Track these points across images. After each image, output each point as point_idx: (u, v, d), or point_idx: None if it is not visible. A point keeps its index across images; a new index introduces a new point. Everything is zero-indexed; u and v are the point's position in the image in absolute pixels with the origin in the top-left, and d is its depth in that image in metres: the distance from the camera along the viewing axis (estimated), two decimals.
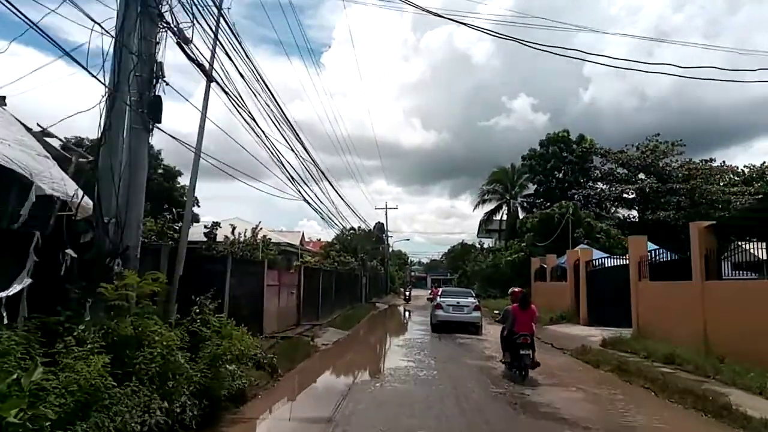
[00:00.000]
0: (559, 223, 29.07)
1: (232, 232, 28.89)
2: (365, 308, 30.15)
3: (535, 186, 46.70)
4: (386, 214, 59.77)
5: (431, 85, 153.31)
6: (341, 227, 38.78)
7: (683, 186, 39.49)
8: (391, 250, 73.59)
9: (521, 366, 10.29)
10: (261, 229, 30.35)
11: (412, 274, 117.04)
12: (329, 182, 26.11)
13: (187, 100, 10.30)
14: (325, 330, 17.22)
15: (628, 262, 15.96)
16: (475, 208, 49.49)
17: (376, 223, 56.41)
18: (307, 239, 61.47)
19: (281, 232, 44.96)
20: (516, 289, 12.34)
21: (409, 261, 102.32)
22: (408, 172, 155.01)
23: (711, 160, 42.12)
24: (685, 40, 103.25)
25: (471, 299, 20.64)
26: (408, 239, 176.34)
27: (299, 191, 15.51)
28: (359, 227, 53.24)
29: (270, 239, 30.20)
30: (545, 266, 26.63)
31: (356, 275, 33.81)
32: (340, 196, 33.13)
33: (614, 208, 42.46)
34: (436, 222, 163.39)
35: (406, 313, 31.42)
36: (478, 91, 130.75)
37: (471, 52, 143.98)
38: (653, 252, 15.44)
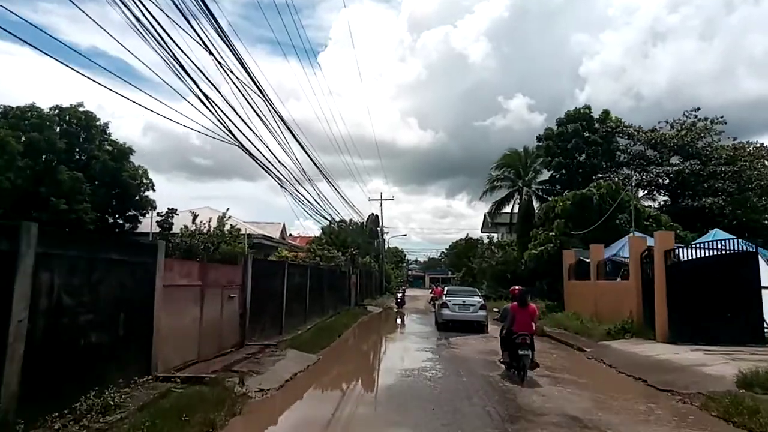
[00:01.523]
0: (599, 207, 23.02)
1: (193, 221, 22.99)
2: (352, 314, 24.05)
3: (551, 172, 40.69)
4: (381, 206, 53.71)
5: (428, 84, 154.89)
6: (330, 219, 32.78)
7: (728, 169, 33.71)
8: (387, 246, 67.49)
9: (520, 366, 9.96)
10: (229, 217, 24.51)
11: (409, 272, 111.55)
12: (314, 163, 20.52)
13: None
14: (282, 355, 11.13)
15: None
16: (481, 196, 43.50)
17: (369, 215, 50.31)
18: (296, 234, 55.42)
19: (258, 223, 38.82)
20: (516, 288, 12.02)
21: (406, 258, 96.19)
22: (405, 172, 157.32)
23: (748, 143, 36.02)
24: (680, 40, 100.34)
25: (477, 298, 20.60)
26: (405, 235, 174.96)
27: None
28: (351, 220, 47.42)
29: (239, 229, 24.46)
30: (586, 260, 20.60)
31: (343, 273, 27.73)
32: (327, 176, 27.14)
33: (650, 194, 36.65)
34: (432, 222, 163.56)
35: (400, 320, 25.22)
36: (475, 91, 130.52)
37: (467, 51, 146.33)
38: None
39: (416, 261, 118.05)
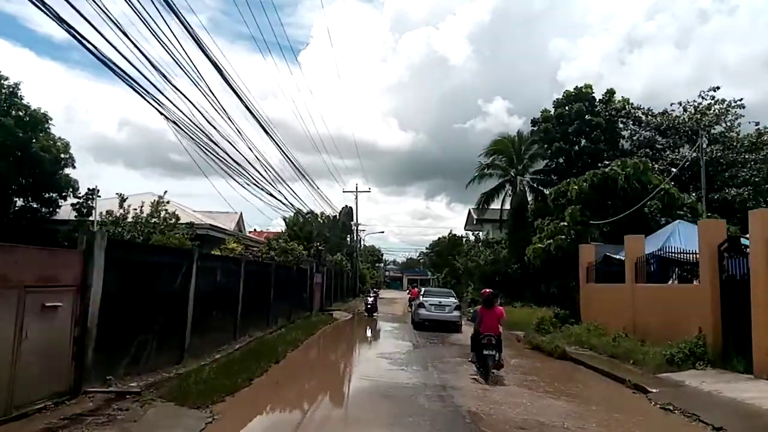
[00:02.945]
0: (623, 192, 18.23)
1: (120, 205, 18.68)
2: (311, 324, 18.86)
3: (546, 161, 36.07)
4: (356, 198, 48.47)
5: (409, 85, 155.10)
6: (291, 208, 27.49)
7: (751, 157, 29.51)
8: (363, 244, 62.35)
9: (485, 366, 10.10)
10: (167, 203, 19.05)
11: (387, 273, 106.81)
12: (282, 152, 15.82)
13: None
14: (130, 420, 5.91)
15: None
16: (468, 184, 38.37)
17: (343, 208, 45.11)
18: (260, 229, 49.84)
19: (210, 213, 33.25)
20: (486, 290, 12.18)
21: (383, 258, 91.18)
22: (385, 173, 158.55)
23: None
24: (656, 48, 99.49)
25: (452, 299, 21.16)
26: (382, 232, 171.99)
27: None
28: (323, 213, 42.19)
29: (179, 217, 19.18)
30: (615, 257, 15.78)
31: (303, 271, 22.52)
32: (288, 158, 21.94)
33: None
34: (411, 223, 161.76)
35: (371, 332, 20.05)
36: (455, 93, 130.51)
37: (448, 54, 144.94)
38: None
39: (394, 262, 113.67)
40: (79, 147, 58.79)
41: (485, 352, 10.15)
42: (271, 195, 19.84)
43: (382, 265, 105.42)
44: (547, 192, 31.47)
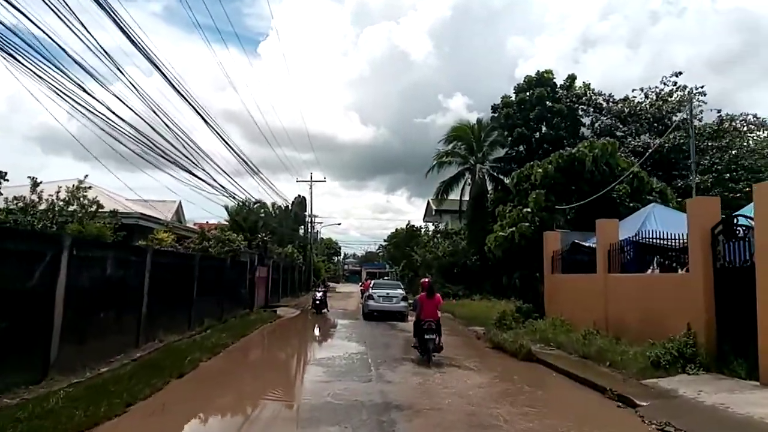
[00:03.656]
0: (591, 175, 16.71)
1: (33, 190, 15.75)
2: (246, 323, 16.60)
3: (506, 149, 34.70)
4: (311, 187, 46.00)
5: (369, 80, 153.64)
6: (239, 201, 25.01)
7: (714, 144, 28.90)
8: (319, 236, 59.97)
9: (426, 349, 10.82)
10: (88, 188, 16.28)
11: (345, 267, 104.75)
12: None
13: None
14: None
15: None
16: (427, 173, 36.62)
17: (295, 197, 42.62)
18: (204, 220, 46.68)
19: (144, 201, 30.22)
20: (425, 279, 13.61)
21: (340, 251, 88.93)
22: (345, 167, 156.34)
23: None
24: (609, 47, 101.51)
25: (399, 291, 22.06)
26: (339, 224, 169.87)
27: None
28: (274, 204, 39.66)
29: (101, 204, 16.48)
30: (585, 244, 14.18)
31: (241, 264, 20.15)
32: (224, 140, 19.35)
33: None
34: (372, 217, 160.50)
35: (320, 332, 17.92)
36: (416, 88, 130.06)
37: (409, 49, 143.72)
38: None
39: (354, 255, 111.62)
40: (24, 137, 54.05)
41: (426, 337, 10.97)
42: (210, 185, 17.54)
43: (340, 258, 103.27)
44: (509, 179, 30.17)
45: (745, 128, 29.91)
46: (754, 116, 29.45)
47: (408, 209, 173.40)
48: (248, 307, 20.26)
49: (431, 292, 11.67)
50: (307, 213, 45.03)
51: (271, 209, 40.09)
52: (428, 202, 54.92)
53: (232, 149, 21.46)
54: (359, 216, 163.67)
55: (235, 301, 18.63)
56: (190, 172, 19.08)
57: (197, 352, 10.53)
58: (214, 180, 20.10)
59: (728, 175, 27.57)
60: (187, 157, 16.91)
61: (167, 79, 13.07)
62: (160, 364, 9.08)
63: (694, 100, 30.64)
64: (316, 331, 17.63)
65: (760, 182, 8.34)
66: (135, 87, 12.06)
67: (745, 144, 29.34)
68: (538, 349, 12.63)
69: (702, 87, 30.98)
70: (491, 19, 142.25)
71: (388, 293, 21.47)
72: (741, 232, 8.25)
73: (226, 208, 27.19)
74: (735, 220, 8.45)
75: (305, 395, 8.03)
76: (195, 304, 14.20)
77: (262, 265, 24.78)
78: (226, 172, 29.19)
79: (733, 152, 28.92)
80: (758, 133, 31.09)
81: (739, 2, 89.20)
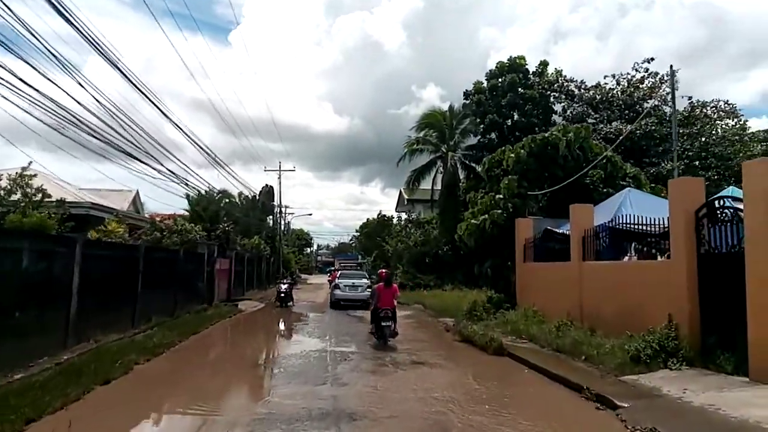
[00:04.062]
0: (565, 160, 16.02)
1: None
2: (200, 320, 15.48)
3: (479, 137, 34.03)
4: (279, 177, 44.65)
5: (343, 70, 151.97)
6: (198, 190, 23.73)
7: (684, 131, 28.75)
8: (289, 227, 58.62)
9: (383, 335, 11.81)
10: (33, 176, 15.02)
11: (318, 258, 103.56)
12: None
13: None
14: None
15: None
16: (399, 161, 35.83)
17: (263, 187, 41.22)
18: (170, 212, 44.88)
19: (98, 191, 28.58)
20: (382, 270, 14.48)
21: (313, 242, 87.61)
22: (319, 157, 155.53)
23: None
24: (580, 39, 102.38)
25: (364, 280, 23.31)
26: (310, 214, 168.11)
27: None
28: (241, 194, 38.26)
29: (48, 193, 15.20)
30: (558, 231, 13.49)
31: (198, 255, 18.94)
32: (180, 128, 17.95)
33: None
34: (346, 208, 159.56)
35: (285, 326, 16.88)
36: (389, 79, 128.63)
37: (382, 39, 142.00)
38: None
39: (327, 247, 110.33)
40: None
41: (383, 324, 11.88)
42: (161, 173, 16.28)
43: (312, 249, 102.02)
44: (480, 166, 29.54)
45: (716, 115, 29.85)
46: (725, 102, 29.40)
47: (382, 200, 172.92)
48: (207, 302, 19.08)
49: (389, 282, 12.60)
50: (275, 203, 43.69)
51: (237, 199, 38.70)
52: (400, 192, 54.11)
53: (190, 137, 20.17)
54: (333, 207, 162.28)
55: (190, 296, 17.44)
56: (145, 163, 17.88)
57: (133, 354, 9.43)
58: (170, 171, 18.86)
59: (698, 162, 27.47)
60: (138, 147, 15.78)
61: (121, 71, 12.65)
62: (84, 369, 7.96)
63: (665, 86, 30.48)
64: (276, 327, 16.58)
65: (750, 160, 7.67)
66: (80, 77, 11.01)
67: (714, 132, 29.29)
68: (509, 341, 11.92)
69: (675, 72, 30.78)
70: (463, 10, 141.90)
71: (353, 283, 22.65)
72: (728, 215, 7.56)
73: (187, 197, 25.80)
74: (721, 202, 7.76)
75: (242, 405, 7.06)
76: (140, 300, 13.00)
77: (223, 256, 23.54)
78: (181, 161, 27.74)
79: (703, 139, 28.87)
80: (727, 120, 31.19)
81: None
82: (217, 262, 21.77)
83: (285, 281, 23.94)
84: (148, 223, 18.88)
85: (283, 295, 22.12)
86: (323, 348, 11.34)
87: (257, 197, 38.82)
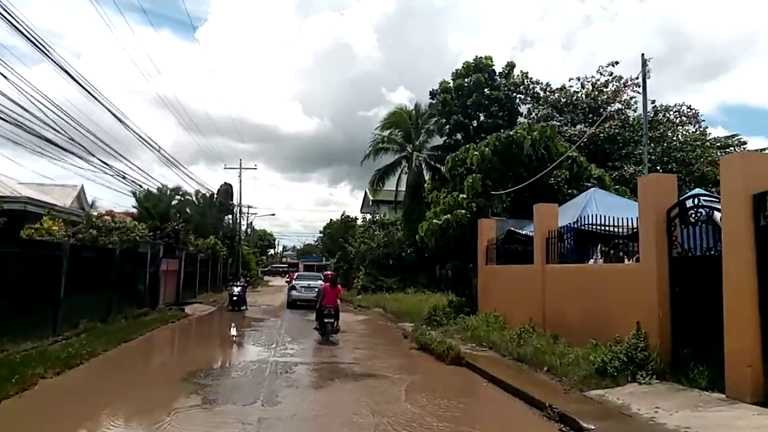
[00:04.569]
0: (530, 159, 15.41)
1: None
2: (135, 326, 14.18)
3: (445, 138, 33.44)
4: (240, 175, 43.10)
5: (313, 70, 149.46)
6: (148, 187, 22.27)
7: (649, 134, 28.77)
8: (251, 227, 56.94)
9: (326, 331, 12.87)
10: None
11: (284, 260, 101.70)
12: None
13: None
14: None
15: None
16: (363, 160, 34.91)
17: (221, 185, 39.63)
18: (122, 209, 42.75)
19: (42, 185, 26.69)
20: (328, 273, 16.68)
21: (276, 243, 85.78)
22: (287, 158, 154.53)
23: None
24: (545, 47, 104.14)
25: (320, 282, 21.23)
26: (273, 214, 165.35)
27: None
28: (198, 192, 36.65)
29: None
30: (521, 232, 12.79)
31: (139, 255, 17.55)
32: (126, 125, 16.67)
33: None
34: (314, 209, 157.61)
35: (236, 332, 15.66)
36: (359, 81, 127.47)
37: (353, 41, 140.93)
38: None
39: (294, 248, 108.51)
40: None
41: (326, 321, 12.94)
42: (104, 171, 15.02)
43: (277, 251, 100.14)
44: (428, 180, 29.08)
45: (678, 120, 30.05)
46: (688, 107, 29.60)
47: (350, 202, 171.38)
48: (149, 305, 17.68)
49: (333, 283, 13.79)
50: (235, 202, 42.09)
51: (194, 198, 37.07)
52: (365, 192, 53.16)
53: (138, 135, 18.76)
54: (302, 208, 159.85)
55: (128, 299, 16.06)
56: (86, 160, 16.50)
57: (41, 366, 8.20)
58: (106, 164, 17.44)
59: (660, 167, 27.50)
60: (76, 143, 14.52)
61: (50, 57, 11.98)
62: None
63: (629, 90, 30.52)
64: (221, 334, 15.34)
65: (727, 155, 7.03)
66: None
67: (676, 138, 29.45)
68: (469, 349, 11.15)
69: (637, 78, 30.86)
70: (433, 14, 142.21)
71: (309, 284, 22.95)
72: (702, 214, 6.92)
73: (134, 194, 24.23)
74: (695, 201, 7.12)
75: None
76: (65, 304, 11.67)
77: (171, 257, 22.13)
78: (124, 158, 25.94)
79: (666, 144, 28.98)
80: (688, 127, 31.47)
81: (666, 10, 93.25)
82: (164, 262, 20.37)
83: (238, 284, 22.63)
84: (84, 220, 17.36)
85: (235, 298, 20.86)
86: (265, 358, 10.28)
87: (215, 196, 37.23)
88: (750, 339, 5.89)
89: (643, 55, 14.91)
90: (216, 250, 32.00)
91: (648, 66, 14.63)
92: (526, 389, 7.50)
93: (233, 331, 14.93)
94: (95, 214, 20.01)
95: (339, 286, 14.13)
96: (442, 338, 12.05)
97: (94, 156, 16.70)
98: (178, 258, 22.87)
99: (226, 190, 39.51)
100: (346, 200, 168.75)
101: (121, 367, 9.60)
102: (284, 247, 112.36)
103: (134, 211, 25.66)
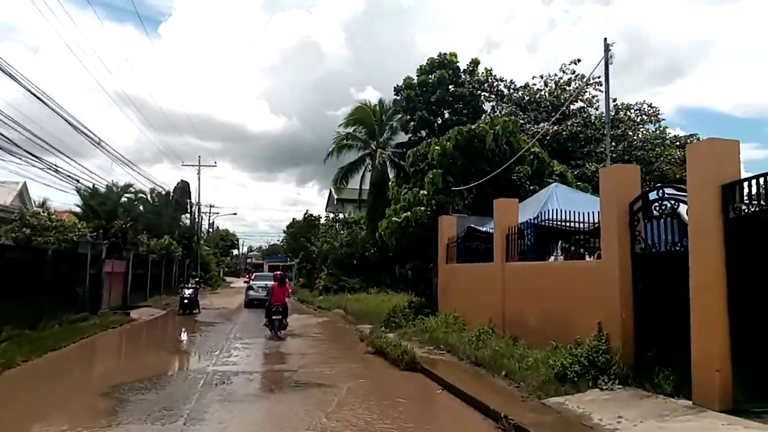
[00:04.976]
0: (492, 154, 14.93)
1: None
2: (66, 332, 12.99)
3: (410, 135, 32.92)
4: (199, 173, 41.60)
5: (280, 68, 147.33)
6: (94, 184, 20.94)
7: (611, 133, 28.92)
8: (214, 227, 55.29)
9: (274, 327, 13.70)
10: None
11: (249, 260, 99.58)
12: None
13: None
14: None
15: None
16: (326, 158, 34.11)
17: (177, 183, 38.13)
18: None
19: None
20: (277, 273, 17.70)
21: (240, 243, 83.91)
22: (255, 158, 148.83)
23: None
24: (511, 50, 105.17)
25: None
26: (235, 213, 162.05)
27: None
28: (153, 190, 35.11)
29: None
30: (482, 229, 12.25)
31: (77, 256, 16.31)
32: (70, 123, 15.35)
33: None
34: (282, 209, 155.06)
35: (185, 337, 14.62)
36: (328, 80, 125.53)
37: (321, 39, 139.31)
38: None
39: (260, 248, 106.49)
40: None
41: (274, 317, 13.75)
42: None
43: (242, 251, 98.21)
44: (393, 178, 28.56)
45: (639, 119, 30.30)
46: (649, 106, 29.86)
47: (318, 201, 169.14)
48: (89, 310, 16.45)
49: (282, 282, 14.85)
50: (194, 201, 40.58)
51: (149, 196, 35.49)
52: (330, 191, 52.29)
53: (85, 134, 17.55)
54: (269, 208, 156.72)
55: (64, 303, 14.83)
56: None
57: None
58: (39, 159, 16.17)
59: (622, 164, 27.65)
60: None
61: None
62: None
63: (590, 89, 30.58)
64: (164, 340, 14.28)
65: (694, 142, 6.58)
66: None
67: (637, 137, 29.69)
68: (426, 353, 10.55)
69: (599, 77, 30.99)
70: (401, 15, 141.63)
71: (266, 284, 22.86)
72: (667, 207, 6.46)
73: (78, 192, 22.77)
74: (659, 193, 6.65)
75: None
76: None
77: (118, 258, 20.85)
78: (66, 155, 24.46)
79: (627, 142, 29.17)
80: (648, 126, 31.81)
81: (628, 15, 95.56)
82: (108, 264, 19.11)
83: (189, 286, 21.46)
84: (17, 218, 16.02)
85: (186, 301, 19.74)
86: (204, 367, 9.41)
87: (171, 194, 35.74)
88: (718, 341, 5.43)
89: (605, 39, 14.49)
90: (170, 251, 30.61)
91: (611, 51, 14.27)
92: (482, 397, 6.92)
93: (174, 338, 13.92)
94: (31, 211, 18.62)
95: (287, 284, 15.37)
96: (398, 341, 11.43)
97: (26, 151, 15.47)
98: (125, 259, 21.57)
99: (183, 187, 37.98)
100: (314, 200, 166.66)
101: (38, 380, 8.57)
102: (250, 247, 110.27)
103: (79, 210, 24.14)
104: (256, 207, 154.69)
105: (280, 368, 9.40)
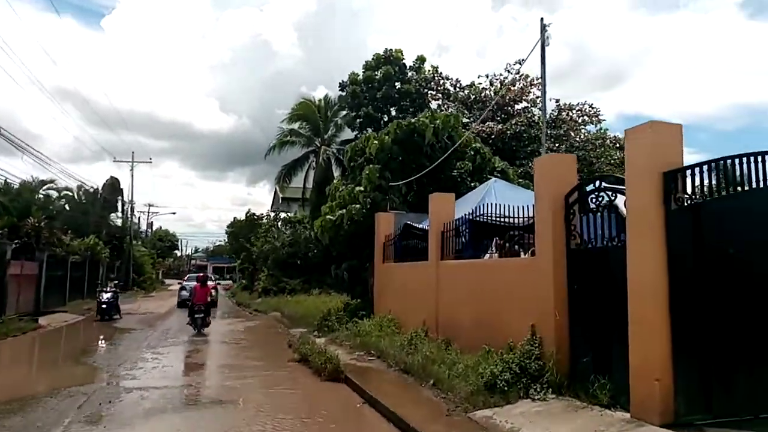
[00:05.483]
0: (432, 149, 14.23)
1: None
2: None
3: (356, 132, 32.09)
4: (132, 170, 39.16)
5: (230, 66, 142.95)
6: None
7: (552, 133, 29.09)
8: (151, 227, 52.56)
9: (197, 325, 14.55)
10: None
11: (193, 262, 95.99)
12: None
13: None
14: None
15: None
16: (267, 154, 32.86)
17: (106, 180, 35.68)
18: None
19: None
20: (200, 274, 20.00)
21: (186, 245, 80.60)
22: (203, 156, 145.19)
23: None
24: (460, 54, 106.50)
25: (210, 283, 21.35)
26: (174, 213, 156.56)
27: None
28: (80, 187, 32.70)
29: None
30: (418, 226, 11.51)
31: None
32: None
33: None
34: (232, 209, 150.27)
35: (53, 357, 13.10)
36: (279, 79, 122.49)
37: (272, 37, 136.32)
38: None
39: (207, 249, 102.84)
40: None
41: (197, 316, 14.63)
42: None
43: (186, 252, 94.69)
44: (337, 177, 27.74)
45: (581, 119, 30.61)
46: (590, 106, 30.19)
47: (269, 201, 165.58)
48: None
49: (204, 283, 15.52)
50: (126, 199, 38.14)
51: (75, 193, 33.08)
52: (275, 190, 50.72)
53: None
54: (218, 207, 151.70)
55: None
56: None
57: None
58: None
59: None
60: None
61: None
62: None
63: (534, 90, 30.66)
64: (66, 351, 12.73)
65: (631, 127, 6.04)
66: None
67: (577, 138, 30.00)
68: (354, 359, 9.73)
69: (540, 79, 31.16)
70: (353, 15, 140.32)
71: None
72: (604, 199, 5.87)
73: None
74: (596, 184, 6.07)
75: None
76: None
77: (29, 259, 18.93)
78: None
79: (569, 143, 29.42)
80: (589, 127, 32.27)
81: (572, 23, 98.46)
82: (15, 265, 17.25)
83: (108, 289, 19.73)
84: None
85: (104, 306, 18.07)
86: (93, 383, 8.19)
87: (99, 191, 33.39)
88: (659, 347, 4.83)
89: (542, 19, 14.09)
90: (96, 252, 28.43)
91: (547, 32, 13.88)
92: (404, 411, 6.14)
93: (90, 346, 12.47)
94: None
95: (209, 285, 16.46)
96: (327, 347, 10.57)
97: None
98: (38, 260, 19.62)
99: (112, 184, 35.52)
100: (265, 199, 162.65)
101: None
102: (195, 248, 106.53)
103: None
104: (204, 207, 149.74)
105: (185, 382, 8.32)
